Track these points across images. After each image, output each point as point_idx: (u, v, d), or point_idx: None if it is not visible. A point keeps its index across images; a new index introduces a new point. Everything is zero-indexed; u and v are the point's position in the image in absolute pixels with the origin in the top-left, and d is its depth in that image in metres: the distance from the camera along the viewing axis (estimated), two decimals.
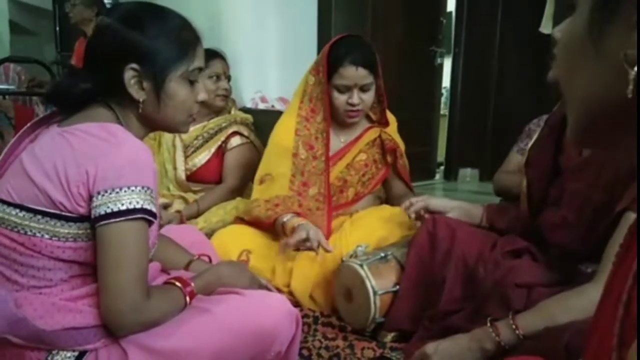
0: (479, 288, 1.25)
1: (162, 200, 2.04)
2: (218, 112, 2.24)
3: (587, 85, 0.42)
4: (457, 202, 1.55)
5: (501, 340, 1.01)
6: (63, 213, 0.88)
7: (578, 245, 1.15)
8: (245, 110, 2.60)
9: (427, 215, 1.50)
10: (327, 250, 1.53)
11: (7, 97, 2.92)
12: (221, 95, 2.16)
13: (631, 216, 0.97)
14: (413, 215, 1.55)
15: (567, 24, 0.45)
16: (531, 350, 0.87)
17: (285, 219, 1.63)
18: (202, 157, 2.16)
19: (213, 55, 2.10)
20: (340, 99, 1.75)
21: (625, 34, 0.37)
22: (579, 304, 0.99)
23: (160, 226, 1.77)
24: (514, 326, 1.01)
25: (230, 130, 2.19)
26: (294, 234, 1.55)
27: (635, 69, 0.36)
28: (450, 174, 4.52)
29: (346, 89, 1.73)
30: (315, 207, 1.74)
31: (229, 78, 2.22)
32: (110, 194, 0.86)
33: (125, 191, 0.87)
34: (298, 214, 1.65)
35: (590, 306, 0.46)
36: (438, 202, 1.54)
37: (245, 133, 2.22)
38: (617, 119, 0.41)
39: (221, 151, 2.18)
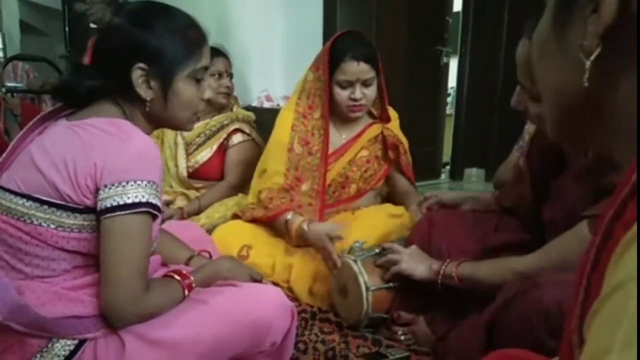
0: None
1: (164, 198, 2.07)
2: (220, 109, 2.26)
3: (555, 80, 0.45)
4: (469, 193, 1.58)
5: (441, 270, 1.27)
6: (69, 204, 0.90)
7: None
8: (250, 108, 2.62)
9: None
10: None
11: (15, 94, 2.97)
12: (223, 92, 2.19)
13: (584, 229, 1.03)
14: (425, 210, 1.57)
15: (539, 25, 0.48)
16: (534, 305, 0.88)
17: (288, 217, 1.65)
18: (204, 155, 2.18)
19: (215, 53, 2.12)
20: (342, 94, 1.76)
21: (582, 27, 0.39)
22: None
23: (162, 222, 1.80)
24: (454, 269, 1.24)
25: (232, 128, 2.21)
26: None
27: (591, 58, 0.39)
28: (456, 174, 4.51)
29: (348, 84, 1.75)
30: (307, 202, 1.75)
31: (231, 76, 2.24)
32: (117, 187, 0.88)
33: (131, 185, 0.89)
34: (294, 210, 1.68)
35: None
36: (451, 195, 1.57)
37: (247, 130, 2.24)
38: (582, 110, 0.43)
39: (223, 148, 2.20)
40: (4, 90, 2.52)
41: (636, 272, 0.28)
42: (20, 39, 5.08)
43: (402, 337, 1.40)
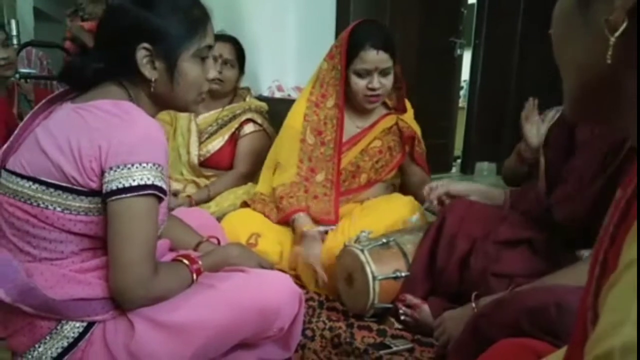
0: (469, 275, 1.32)
1: (174, 186, 2.07)
2: (231, 98, 2.25)
3: (577, 56, 0.44)
4: (478, 185, 1.58)
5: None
6: (75, 187, 0.90)
7: (582, 222, 1.17)
8: (262, 98, 2.61)
9: (447, 201, 1.51)
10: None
11: (28, 80, 2.98)
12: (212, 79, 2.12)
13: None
14: (435, 201, 1.55)
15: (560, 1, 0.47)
16: (521, 305, 0.90)
17: (295, 218, 1.69)
18: (215, 144, 2.18)
19: (218, 37, 2.07)
20: (360, 83, 1.75)
21: (607, 3, 0.38)
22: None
23: (171, 209, 1.81)
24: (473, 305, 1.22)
25: (244, 118, 2.21)
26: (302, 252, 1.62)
27: (616, 34, 0.37)
28: (467, 168, 4.48)
29: (367, 73, 1.73)
30: (322, 192, 1.75)
31: (229, 63, 2.17)
32: (122, 169, 0.88)
33: (136, 167, 0.88)
34: (307, 210, 1.71)
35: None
36: (459, 186, 1.56)
37: (259, 121, 2.24)
38: (604, 89, 0.42)
39: (234, 138, 2.20)
40: (17, 76, 2.53)
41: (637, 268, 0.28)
42: (34, 25, 5.11)
43: (403, 317, 1.39)
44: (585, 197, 1.14)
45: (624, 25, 0.37)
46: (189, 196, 2.02)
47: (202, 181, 2.16)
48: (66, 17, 3.77)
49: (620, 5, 0.37)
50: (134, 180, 0.88)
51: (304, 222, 1.67)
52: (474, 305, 1.22)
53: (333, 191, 1.76)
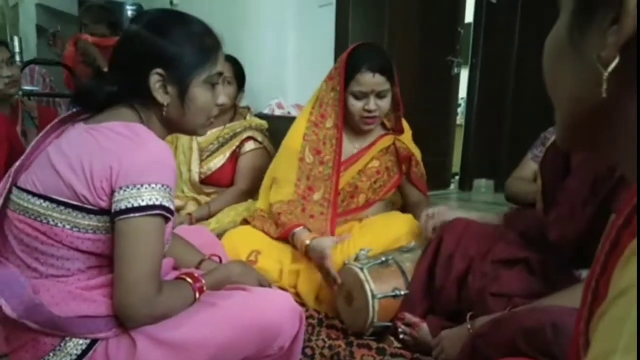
0: (467, 294, 1.34)
1: (176, 203, 2.09)
2: (232, 116, 2.27)
3: (569, 88, 0.44)
4: (474, 213, 1.59)
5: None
6: (85, 205, 0.92)
7: (575, 244, 1.19)
8: (262, 116, 2.64)
9: None
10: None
11: (32, 98, 3.01)
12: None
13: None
14: (431, 230, 1.57)
15: (553, 30, 0.47)
16: (518, 326, 0.91)
17: (296, 232, 1.69)
18: (217, 162, 2.21)
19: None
20: (357, 105, 1.78)
21: (600, 37, 0.39)
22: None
23: (173, 227, 1.82)
24: (468, 326, 1.23)
25: (245, 136, 2.24)
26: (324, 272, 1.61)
27: (609, 69, 0.38)
28: (465, 185, 4.49)
29: (363, 96, 1.76)
30: (318, 212, 1.77)
31: (230, 82, 2.22)
32: (132, 190, 0.90)
33: (146, 188, 0.91)
34: (304, 225, 1.71)
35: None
36: (455, 215, 1.57)
37: (260, 139, 2.26)
38: (597, 120, 0.42)
39: (235, 156, 2.23)
40: (21, 93, 2.56)
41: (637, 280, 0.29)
42: (37, 43, 5.16)
43: (402, 336, 1.40)
44: (577, 220, 1.16)
45: (617, 61, 0.38)
46: (189, 214, 2.04)
47: (203, 198, 2.18)
48: (49, 43, 3.83)
49: (613, 42, 0.37)
50: (142, 201, 0.90)
51: (305, 236, 1.67)
52: (469, 326, 1.23)
53: (330, 210, 1.78)
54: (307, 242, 1.63)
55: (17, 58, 3.61)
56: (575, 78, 0.43)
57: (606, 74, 0.38)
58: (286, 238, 1.74)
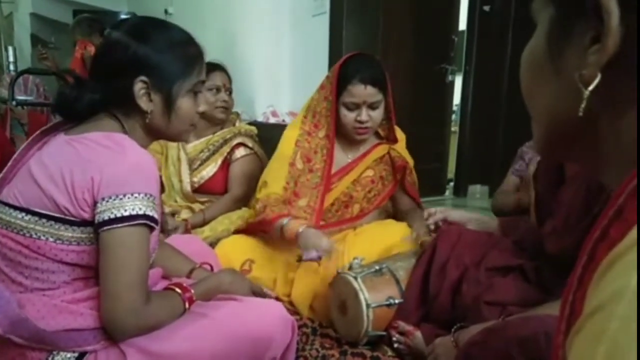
0: (461, 302, 1.33)
1: (169, 209, 2.09)
2: (221, 124, 2.27)
3: (547, 102, 0.44)
4: (475, 214, 1.60)
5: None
6: (67, 217, 0.91)
7: (573, 254, 1.18)
8: (256, 124, 2.64)
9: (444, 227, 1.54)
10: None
11: (25, 107, 3.01)
12: (221, 107, 2.18)
13: None
14: (432, 226, 1.58)
15: (530, 42, 0.46)
16: (512, 335, 0.91)
17: (284, 222, 1.64)
18: (208, 170, 2.19)
19: (214, 67, 2.12)
20: (349, 116, 1.77)
21: (580, 57, 0.38)
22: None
23: (167, 232, 1.81)
24: (452, 338, 1.22)
25: (234, 142, 2.22)
26: (304, 253, 1.57)
27: (590, 88, 0.37)
28: (460, 191, 4.50)
29: (355, 107, 1.76)
30: (302, 217, 1.74)
31: (229, 91, 2.23)
32: (114, 200, 0.89)
33: (128, 198, 0.90)
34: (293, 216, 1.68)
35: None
36: (457, 214, 1.59)
37: (250, 144, 2.26)
38: (575, 134, 0.42)
39: (227, 163, 2.22)
40: (14, 103, 2.56)
41: (634, 283, 0.28)
42: (31, 52, 5.16)
43: (396, 344, 1.39)
44: (573, 233, 1.15)
45: (597, 79, 0.37)
46: (185, 220, 2.03)
47: (197, 206, 2.16)
48: (39, 57, 3.84)
49: (595, 61, 0.37)
50: (125, 211, 0.89)
51: (294, 225, 1.62)
52: (452, 339, 1.22)
53: (313, 218, 1.75)
54: (300, 229, 1.59)
55: (12, 67, 3.62)
56: (553, 93, 0.42)
57: (587, 93, 0.38)
58: (272, 224, 1.67)
